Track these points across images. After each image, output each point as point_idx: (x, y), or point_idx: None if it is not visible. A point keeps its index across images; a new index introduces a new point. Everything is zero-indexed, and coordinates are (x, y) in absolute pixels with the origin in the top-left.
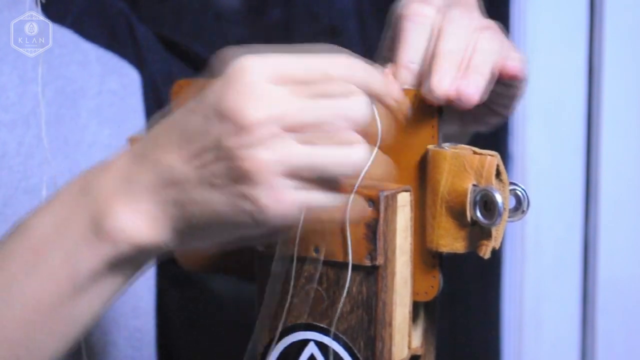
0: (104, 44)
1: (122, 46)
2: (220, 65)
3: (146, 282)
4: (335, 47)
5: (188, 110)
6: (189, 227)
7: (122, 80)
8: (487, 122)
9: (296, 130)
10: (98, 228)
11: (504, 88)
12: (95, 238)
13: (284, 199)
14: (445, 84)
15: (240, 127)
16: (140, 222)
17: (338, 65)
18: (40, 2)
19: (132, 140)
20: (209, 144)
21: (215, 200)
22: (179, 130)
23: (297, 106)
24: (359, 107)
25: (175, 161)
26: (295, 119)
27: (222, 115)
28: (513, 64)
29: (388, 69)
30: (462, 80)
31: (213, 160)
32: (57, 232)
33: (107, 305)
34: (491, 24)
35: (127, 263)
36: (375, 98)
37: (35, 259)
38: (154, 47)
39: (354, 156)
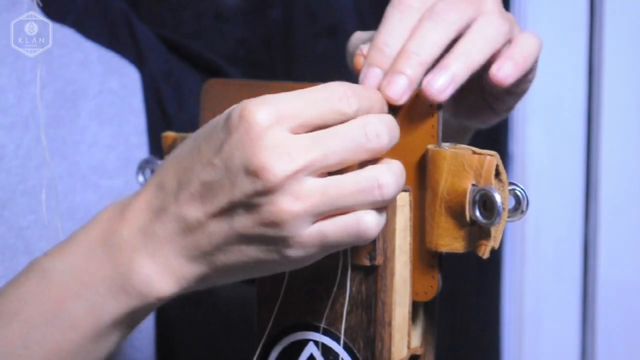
0: (105, 43)
1: (123, 45)
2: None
3: None
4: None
5: (206, 162)
6: (216, 274)
7: (123, 79)
8: (485, 119)
9: (323, 173)
10: (125, 283)
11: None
12: (122, 292)
13: (315, 243)
14: (393, 85)
15: (270, 184)
16: (167, 276)
17: (344, 96)
18: (38, 3)
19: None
20: (238, 200)
21: (244, 250)
22: (200, 183)
23: (321, 152)
24: (378, 132)
25: (201, 216)
26: (322, 165)
27: (249, 173)
28: (500, 71)
29: (360, 50)
30: (429, 76)
31: (242, 214)
32: (80, 283)
33: (123, 341)
34: (491, 9)
35: (151, 309)
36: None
37: (56, 309)
38: (155, 46)
39: (385, 188)
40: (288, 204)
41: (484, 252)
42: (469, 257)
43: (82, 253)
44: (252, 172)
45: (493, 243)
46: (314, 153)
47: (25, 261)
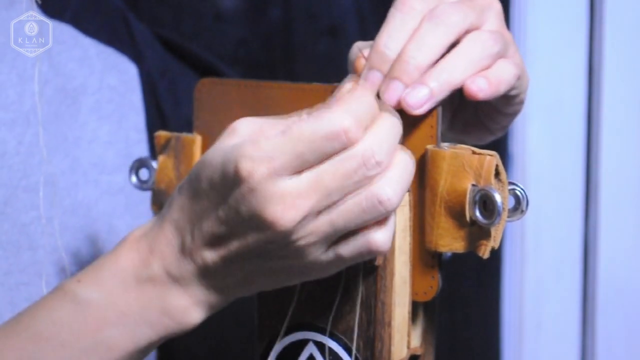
0: (103, 39)
1: (121, 41)
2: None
3: None
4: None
5: (213, 216)
6: (245, 294)
7: (122, 76)
8: (480, 137)
9: (329, 206)
10: (161, 314)
11: (498, 104)
12: (158, 321)
13: (333, 265)
14: (390, 91)
15: (281, 234)
16: (199, 307)
17: (346, 132)
18: (37, 2)
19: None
20: (252, 248)
21: (268, 279)
22: (210, 233)
23: (324, 194)
24: (378, 161)
25: (217, 260)
26: (326, 203)
27: (259, 228)
28: (474, 84)
29: (361, 52)
30: (409, 89)
31: (260, 256)
32: (117, 312)
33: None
34: (491, 22)
35: (186, 331)
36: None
37: (94, 336)
38: (151, 44)
39: (386, 203)
40: (302, 242)
41: (484, 252)
42: (469, 257)
43: (117, 283)
44: (261, 227)
45: (493, 243)
46: (318, 195)
47: (28, 257)
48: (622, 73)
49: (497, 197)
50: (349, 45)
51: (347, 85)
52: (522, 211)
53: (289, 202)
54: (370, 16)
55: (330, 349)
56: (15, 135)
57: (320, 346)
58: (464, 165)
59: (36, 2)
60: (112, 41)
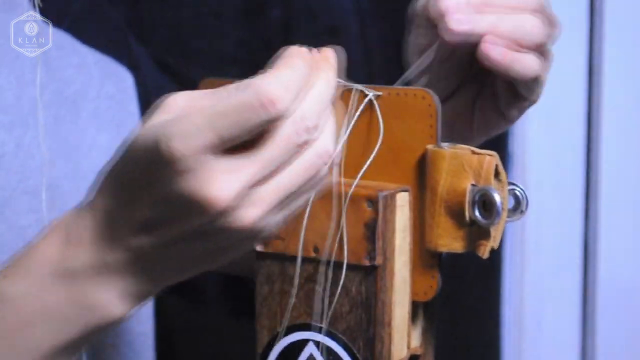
0: (101, 48)
1: (119, 50)
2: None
3: None
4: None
5: (145, 201)
6: (178, 280)
7: (120, 84)
8: (493, 126)
9: (270, 175)
10: (82, 309)
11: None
12: (80, 318)
13: (273, 228)
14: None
15: (219, 212)
16: (124, 299)
17: (272, 101)
18: (38, 5)
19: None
20: (191, 230)
21: (209, 258)
22: (144, 218)
23: (259, 166)
24: (308, 126)
25: (153, 246)
26: (263, 175)
27: (193, 209)
28: (492, 49)
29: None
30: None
31: (200, 238)
32: (35, 310)
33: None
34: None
35: (112, 327)
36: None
37: (16, 334)
38: (147, 61)
39: (325, 156)
40: (246, 216)
41: (484, 252)
42: (469, 257)
43: (33, 280)
44: (197, 209)
45: (492, 243)
46: (254, 167)
47: None
48: (622, 73)
49: (497, 197)
50: (349, 45)
51: (281, 52)
52: (522, 211)
53: (222, 179)
54: (370, 16)
55: (330, 349)
56: (14, 137)
57: (320, 346)
58: (463, 165)
59: (38, 5)
60: (109, 50)
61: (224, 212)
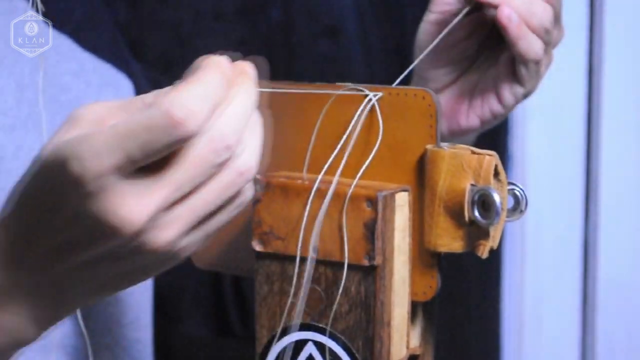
0: (101, 55)
1: (119, 58)
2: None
3: (145, 293)
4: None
5: (54, 225)
6: (89, 302)
7: (118, 92)
8: (491, 111)
9: (186, 196)
10: None
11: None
12: None
13: (193, 247)
14: None
15: (132, 236)
16: (31, 325)
17: (181, 122)
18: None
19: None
20: (102, 253)
21: (124, 281)
22: (55, 242)
23: (173, 185)
24: (227, 144)
25: (62, 271)
26: (179, 194)
27: (104, 232)
28: (509, 13)
29: None
30: None
31: (114, 260)
32: None
33: None
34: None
35: (20, 349)
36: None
37: None
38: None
39: (247, 173)
40: (160, 237)
41: (483, 252)
42: (469, 257)
43: None
44: (107, 233)
45: (492, 243)
46: (167, 189)
47: None
48: (622, 73)
49: (496, 197)
50: (349, 45)
51: (198, 63)
52: (521, 211)
53: (134, 201)
54: (370, 16)
55: (330, 349)
56: (14, 140)
57: (320, 346)
58: (463, 165)
59: (40, 10)
60: (110, 58)
61: (136, 234)
